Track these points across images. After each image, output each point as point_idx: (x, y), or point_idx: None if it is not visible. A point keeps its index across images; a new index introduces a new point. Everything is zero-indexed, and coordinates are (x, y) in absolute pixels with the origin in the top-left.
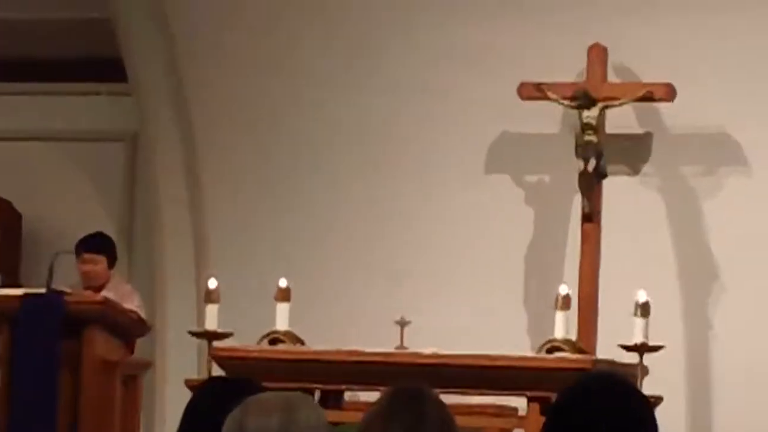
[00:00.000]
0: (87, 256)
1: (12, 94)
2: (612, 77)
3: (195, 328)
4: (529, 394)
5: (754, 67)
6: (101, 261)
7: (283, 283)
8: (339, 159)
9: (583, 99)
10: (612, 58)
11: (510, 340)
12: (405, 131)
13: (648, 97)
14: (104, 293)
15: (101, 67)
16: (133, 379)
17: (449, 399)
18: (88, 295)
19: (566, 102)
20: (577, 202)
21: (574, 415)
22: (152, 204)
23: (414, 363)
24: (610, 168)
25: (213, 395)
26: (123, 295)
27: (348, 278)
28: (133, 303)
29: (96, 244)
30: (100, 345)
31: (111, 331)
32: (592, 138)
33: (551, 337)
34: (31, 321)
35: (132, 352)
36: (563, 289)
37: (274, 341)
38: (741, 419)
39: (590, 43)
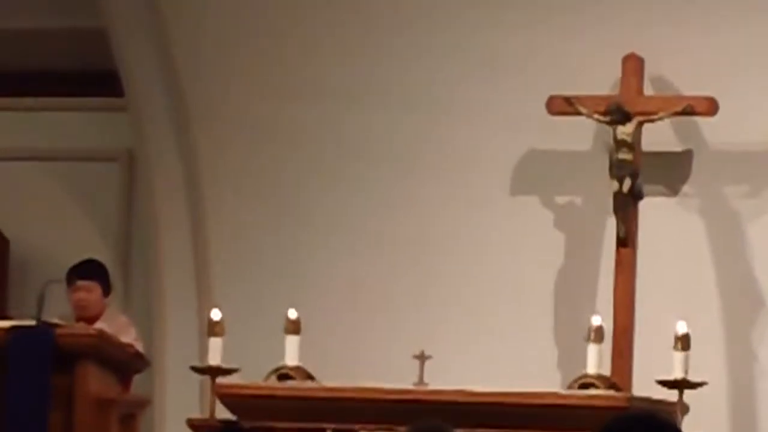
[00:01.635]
0: (79, 283)
1: None
2: (648, 90)
3: (197, 363)
4: None
5: None
6: (95, 289)
7: (292, 314)
8: (355, 182)
9: (617, 113)
10: (648, 70)
11: (539, 375)
12: (424, 149)
13: (688, 112)
14: (98, 325)
15: (93, 79)
16: (130, 418)
17: None
18: (81, 327)
19: (599, 117)
20: (611, 225)
21: None
22: (150, 228)
23: (434, 400)
24: (646, 188)
25: None
26: (119, 327)
27: (363, 309)
28: (129, 336)
29: (89, 270)
30: (95, 381)
31: (106, 367)
32: (627, 156)
33: (583, 372)
34: (20, 355)
35: (129, 389)
36: (596, 320)
37: (283, 377)
38: None
39: (625, 53)
